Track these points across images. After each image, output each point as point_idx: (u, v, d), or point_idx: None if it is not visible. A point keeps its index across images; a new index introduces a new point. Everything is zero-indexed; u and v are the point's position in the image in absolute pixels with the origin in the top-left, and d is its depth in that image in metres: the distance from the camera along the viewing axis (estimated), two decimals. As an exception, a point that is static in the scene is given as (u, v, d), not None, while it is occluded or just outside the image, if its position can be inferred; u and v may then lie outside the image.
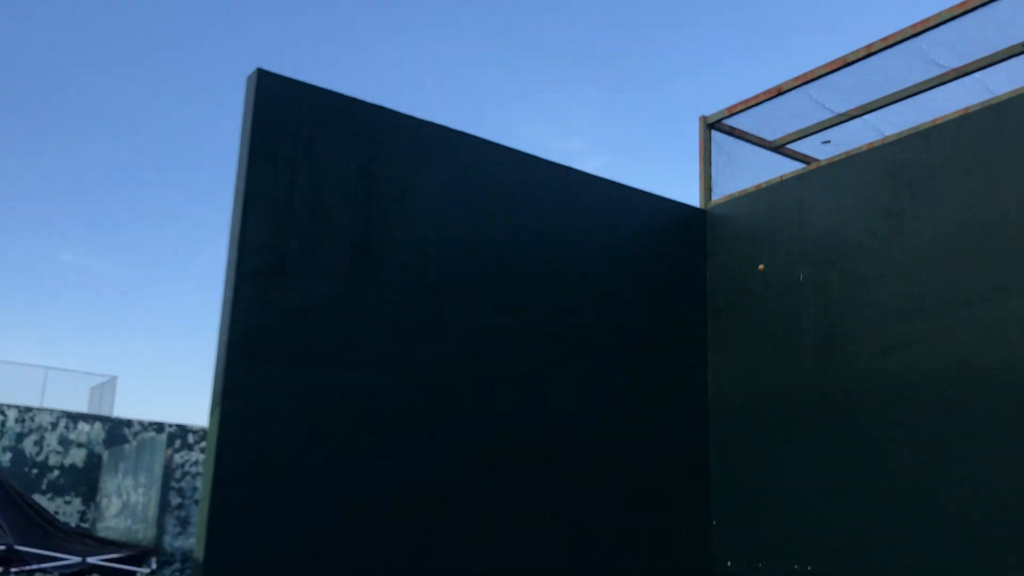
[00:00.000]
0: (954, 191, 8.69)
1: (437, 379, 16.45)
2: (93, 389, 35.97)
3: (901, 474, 10.02)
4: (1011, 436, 8.19)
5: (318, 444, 15.10)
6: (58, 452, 33.00)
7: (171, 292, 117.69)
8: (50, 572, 11.46)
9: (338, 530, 14.72)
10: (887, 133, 9.75)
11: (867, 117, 9.56)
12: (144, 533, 28.04)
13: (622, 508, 18.39)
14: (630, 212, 20.20)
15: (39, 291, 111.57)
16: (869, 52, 8.16)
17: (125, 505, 30.13)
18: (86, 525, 32.25)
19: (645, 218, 20.31)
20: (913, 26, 7.28)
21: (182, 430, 29.85)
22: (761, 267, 14.24)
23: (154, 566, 11.14)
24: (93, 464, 33.50)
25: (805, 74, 8.42)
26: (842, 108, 9.59)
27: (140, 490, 29.01)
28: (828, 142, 11.03)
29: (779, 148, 9.58)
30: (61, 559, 10.28)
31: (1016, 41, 7.27)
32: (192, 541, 27.59)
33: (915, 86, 8.28)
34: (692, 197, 20.78)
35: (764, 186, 13.06)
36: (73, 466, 33.18)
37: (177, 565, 27.64)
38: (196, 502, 27.86)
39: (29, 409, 32.77)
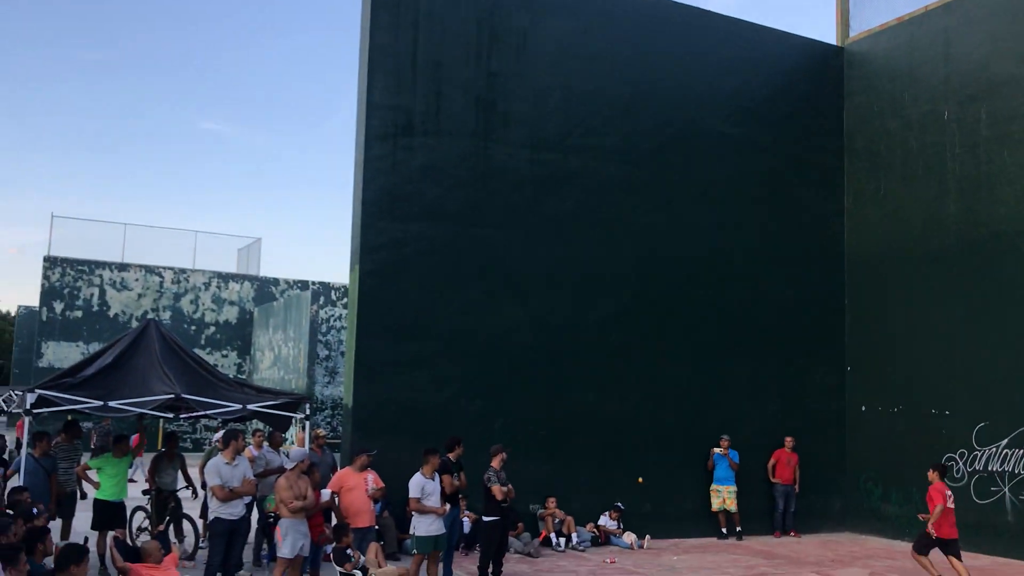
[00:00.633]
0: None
1: (564, 233, 16.42)
2: (240, 250, 37.72)
3: (1049, 318, 9.44)
4: None
5: (452, 297, 15.46)
6: (212, 310, 35.00)
7: (307, 156, 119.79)
8: (214, 418, 12.35)
9: (474, 378, 15.17)
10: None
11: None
12: (296, 383, 29.84)
13: (754, 357, 18.23)
14: (762, 53, 19.13)
15: (182, 159, 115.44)
16: None
17: (277, 358, 32.00)
18: (243, 376, 34.52)
19: (778, 59, 19.21)
20: None
21: (325, 287, 31.18)
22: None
23: (308, 412, 11.85)
24: (245, 320, 35.44)
25: None
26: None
27: (290, 344, 30.68)
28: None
29: (925, -25, 8.89)
30: (224, 406, 11.00)
31: None
32: (340, 390, 29.25)
33: None
34: (829, 34, 19.64)
35: (906, 18, 12.14)
36: (227, 322, 35.19)
37: (328, 412, 29.43)
38: (342, 354, 29.35)
39: (183, 270, 34.68)
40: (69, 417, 12.82)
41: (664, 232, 15.82)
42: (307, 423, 12.24)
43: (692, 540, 15.17)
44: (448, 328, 14.07)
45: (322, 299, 30.13)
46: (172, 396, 10.41)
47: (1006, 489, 14.07)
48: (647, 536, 14.49)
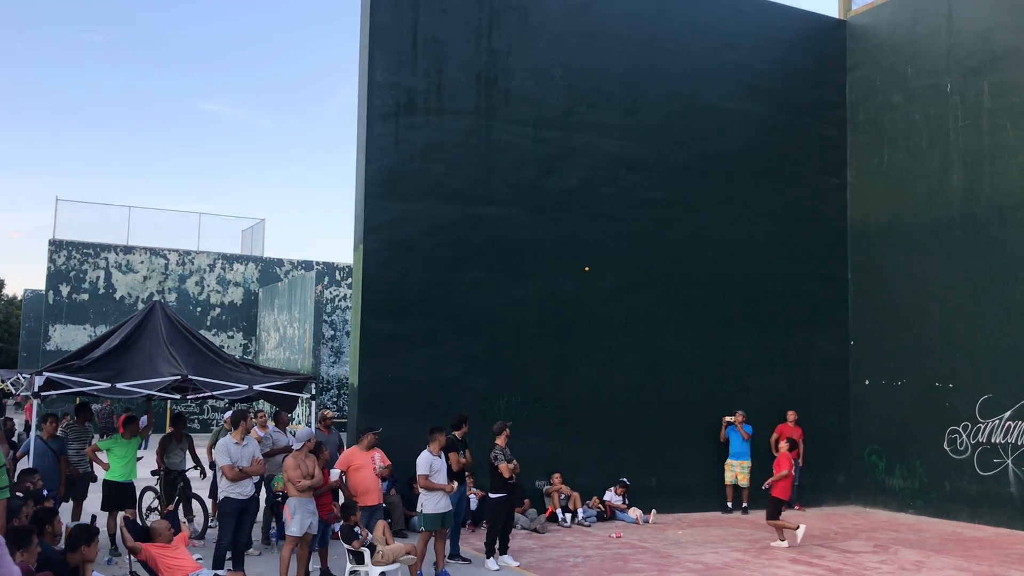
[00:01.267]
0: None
1: (567, 210, 16.42)
2: (244, 231, 37.74)
3: (1051, 290, 9.46)
4: None
5: (456, 275, 15.49)
6: (218, 291, 35.09)
7: (310, 136, 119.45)
8: (221, 399, 12.40)
9: (479, 356, 15.22)
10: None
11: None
12: (302, 363, 29.95)
13: (758, 331, 18.28)
14: (764, 27, 19.03)
15: (184, 140, 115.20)
16: None
17: (283, 338, 32.10)
18: (249, 356, 34.62)
19: (780, 32, 19.10)
20: None
21: (329, 267, 31.19)
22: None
23: (313, 391, 11.90)
24: (250, 301, 35.52)
25: None
26: None
27: (295, 324, 30.76)
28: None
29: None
30: (230, 387, 11.06)
31: None
32: (346, 369, 29.34)
33: None
34: (831, 7, 19.44)
35: (909, -10, 11.95)
36: (232, 303, 35.29)
37: (333, 391, 29.54)
38: (347, 333, 29.42)
39: (188, 252, 34.75)
40: (78, 400, 12.89)
41: (667, 207, 15.82)
42: (313, 403, 12.30)
43: (697, 514, 15.26)
44: (452, 306, 14.12)
45: (326, 279, 30.18)
46: (179, 377, 10.48)
47: (1009, 461, 14.13)
48: (652, 511, 14.58)
